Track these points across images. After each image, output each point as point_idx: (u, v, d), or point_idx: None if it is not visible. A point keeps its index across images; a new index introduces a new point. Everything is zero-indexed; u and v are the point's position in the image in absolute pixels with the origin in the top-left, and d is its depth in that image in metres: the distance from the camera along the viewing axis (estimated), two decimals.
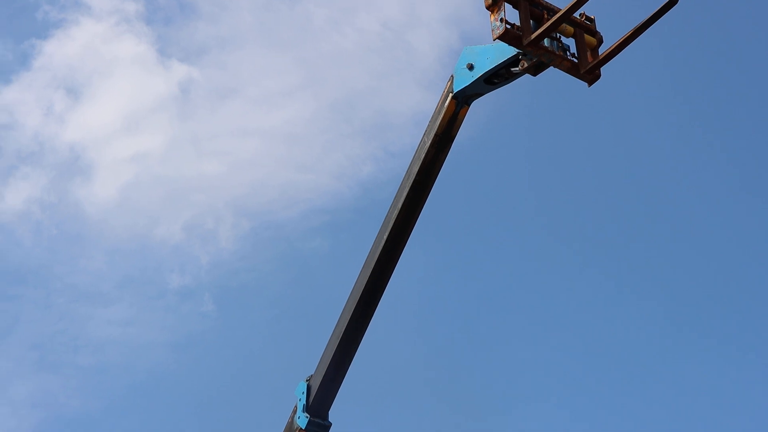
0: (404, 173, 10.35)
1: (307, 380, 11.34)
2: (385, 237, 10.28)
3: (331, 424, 11.34)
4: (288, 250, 26.29)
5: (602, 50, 9.24)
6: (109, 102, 27.37)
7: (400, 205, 10.17)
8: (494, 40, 8.90)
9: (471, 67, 9.60)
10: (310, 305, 25.09)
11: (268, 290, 26.18)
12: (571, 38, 9.21)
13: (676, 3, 8.68)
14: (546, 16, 9.08)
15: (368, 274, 10.43)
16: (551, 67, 9.19)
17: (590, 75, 9.15)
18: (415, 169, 10.04)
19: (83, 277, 26.07)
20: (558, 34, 9.12)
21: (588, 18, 9.32)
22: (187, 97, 27.51)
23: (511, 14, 9.00)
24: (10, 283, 26.12)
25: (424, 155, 9.98)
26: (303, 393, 11.30)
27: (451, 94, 9.78)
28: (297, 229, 26.07)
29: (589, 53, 9.22)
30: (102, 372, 25.08)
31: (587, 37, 9.23)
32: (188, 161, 27.66)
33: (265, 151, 27.52)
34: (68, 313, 25.59)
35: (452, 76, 9.77)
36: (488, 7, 8.94)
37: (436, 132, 9.90)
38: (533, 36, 8.88)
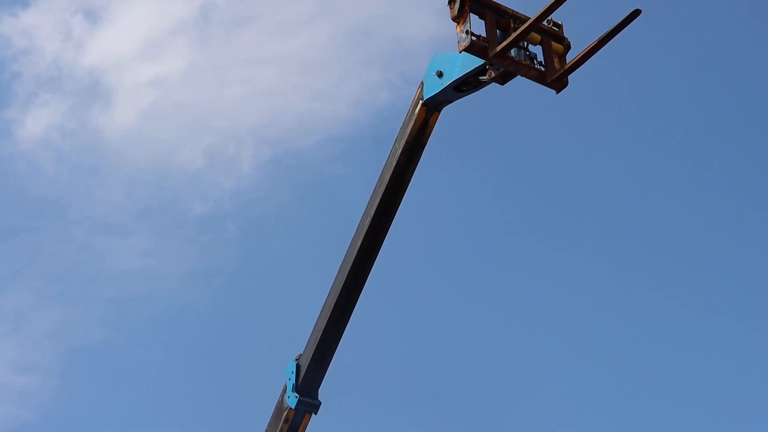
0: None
1: (296, 360, 11.49)
2: (358, 244, 10.40)
3: (320, 402, 11.49)
4: (308, 178, 26.49)
5: (571, 56, 9.25)
6: (127, 25, 27.42)
7: (372, 212, 10.27)
8: (460, 52, 8.94)
9: (440, 75, 9.63)
10: (331, 234, 25.33)
11: (289, 219, 26.43)
12: (538, 45, 9.23)
13: (639, 14, 8.64)
14: (513, 25, 9.06)
15: (343, 280, 10.61)
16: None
17: (557, 83, 9.14)
18: (387, 175, 10.13)
19: (102, 208, 26.39)
20: (525, 43, 9.13)
21: (555, 24, 9.26)
22: (207, 21, 27.51)
23: (478, 24, 9.05)
24: (30, 215, 26.49)
25: (395, 162, 10.06)
26: (292, 372, 11.45)
27: (421, 101, 9.84)
28: (315, 158, 26.23)
29: (556, 60, 9.20)
30: (123, 303, 25.52)
31: (554, 44, 9.22)
32: (208, 87, 27.76)
33: (282, 79, 27.56)
34: (88, 245, 25.97)
35: (422, 82, 9.82)
36: (454, 19, 8.93)
37: (407, 139, 9.97)
38: (499, 48, 8.88)
